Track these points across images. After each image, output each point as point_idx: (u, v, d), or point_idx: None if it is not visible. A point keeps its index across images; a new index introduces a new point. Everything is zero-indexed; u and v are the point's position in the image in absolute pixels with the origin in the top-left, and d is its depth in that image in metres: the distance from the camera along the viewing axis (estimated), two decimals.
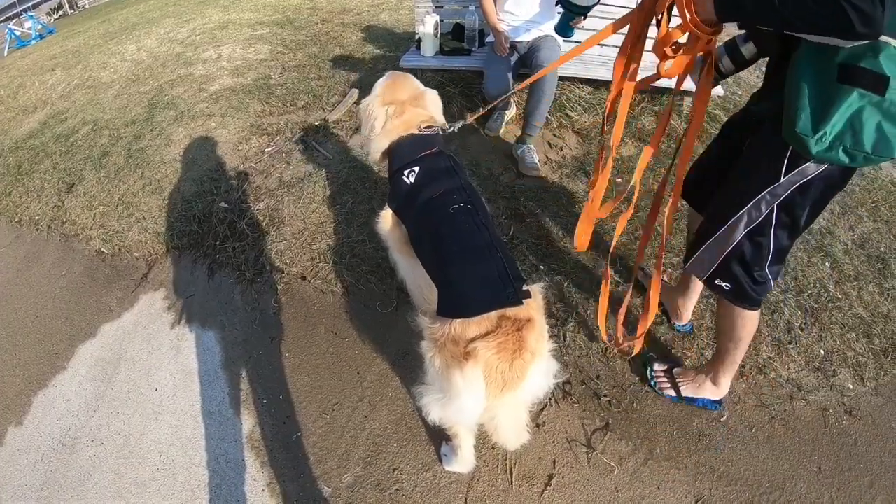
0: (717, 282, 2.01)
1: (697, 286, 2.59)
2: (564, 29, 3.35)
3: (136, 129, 4.63)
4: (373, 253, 3.06)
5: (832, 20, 1.38)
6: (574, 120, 4.10)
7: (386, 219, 2.29)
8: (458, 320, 1.59)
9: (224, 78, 5.21)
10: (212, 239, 3.35)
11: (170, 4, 9.94)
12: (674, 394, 2.43)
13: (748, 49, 2.02)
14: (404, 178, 2.10)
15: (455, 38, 4.30)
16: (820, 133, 1.55)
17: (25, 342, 3.04)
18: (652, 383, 2.49)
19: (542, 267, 2.97)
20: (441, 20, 4.22)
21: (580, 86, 4.25)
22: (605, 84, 4.25)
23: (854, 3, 1.32)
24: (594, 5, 3.14)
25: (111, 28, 9.22)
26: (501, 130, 3.97)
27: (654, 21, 1.84)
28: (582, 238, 2.24)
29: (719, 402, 2.42)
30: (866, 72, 1.49)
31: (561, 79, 4.04)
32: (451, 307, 1.65)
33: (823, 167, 1.68)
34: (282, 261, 3.13)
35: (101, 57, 6.98)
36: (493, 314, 1.57)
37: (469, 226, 1.82)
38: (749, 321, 2.10)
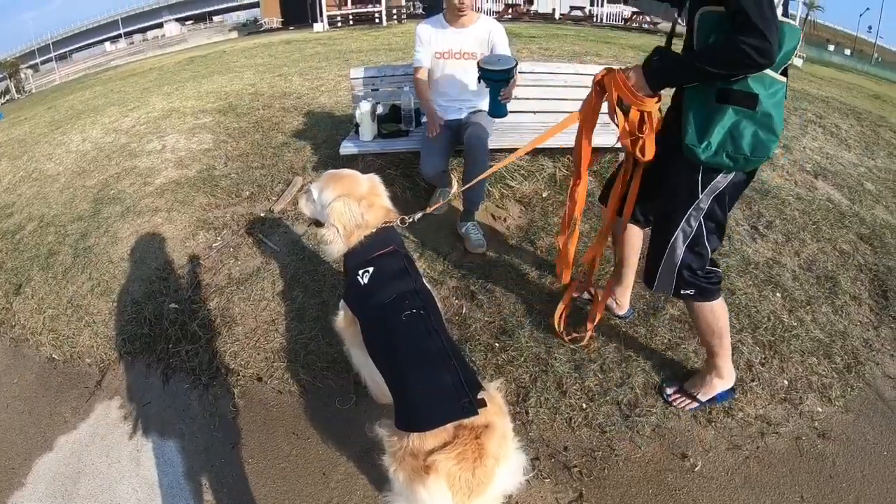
0: (682, 292, 2.37)
1: (629, 280, 3.02)
2: (496, 108, 3.51)
3: (83, 225, 4.58)
4: (326, 348, 3.07)
5: (738, 61, 1.79)
6: (515, 189, 4.23)
7: (342, 316, 2.33)
8: (415, 433, 1.62)
9: (169, 170, 5.20)
10: (164, 342, 3.31)
11: (114, 91, 9.98)
12: (695, 404, 2.65)
13: None
14: (358, 277, 2.12)
15: (392, 119, 4.41)
16: (704, 143, 1.98)
17: None
18: (673, 404, 2.69)
19: (496, 345, 3.03)
20: (377, 103, 4.34)
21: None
22: (543, 151, 4.41)
23: (749, 42, 1.72)
24: (513, 68, 3.31)
25: (57, 115, 9.21)
26: (444, 209, 4.06)
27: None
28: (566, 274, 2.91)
29: (733, 389, 2.67)
30: (738, 92, 1.92)
31: (498, 151, 4.17)
32: (407, 421, 1.68)
33: (731, 176, 2.09)
34: (236, 362, 3.11)
35: (46, 147, 6.95)
36: (450, 425, 1.59)
37: (421, 333, 1.85)
38: (719, 310, 2.42)
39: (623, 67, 2.19)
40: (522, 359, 2.94)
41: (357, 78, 4.56)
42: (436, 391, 1.69)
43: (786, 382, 2.81)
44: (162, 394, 3.08)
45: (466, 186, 3.16)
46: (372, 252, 2.17)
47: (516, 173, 4.31)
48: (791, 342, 3.00)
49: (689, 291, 2.35)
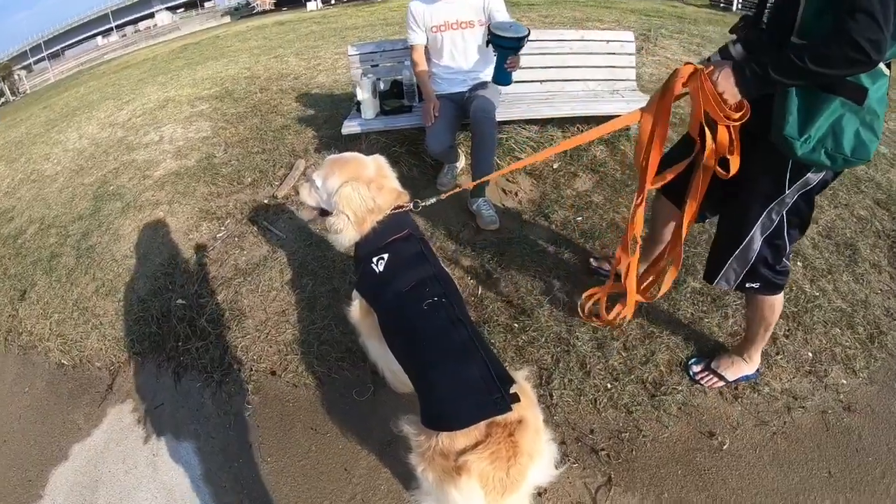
0: (746, 285, 2.23)
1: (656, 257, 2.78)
2: (501, 75, 3.40)
3: (84, 225, 4.48)
4: (340, 337, 2.97)
5: (853, 60, 1.52)
6: None
7: (356, 307, 2.19)
8: (444, 432, 1.52)
9: (167, 161, 5.09)
10: (173, 340, 3.21)
11: (109, 85, 9.90)
12: (722, 383, 2.59)
13: (737, 51, 2.08)
14: (373, 265, 1.99)
15: (394, 95, 4.27)
16: (805, 136, 1.72)
17: None
18: (700, 382, 2.62)
19: (515, 326, 2.93)
20: (378, 79, 4.20)
21: (526, 126, 4.26)
22: (552, 121, 4.28)
23: (867, 35, 1.46)
24: (524, 37, 3.21)
25: (52, 114, 9.13)
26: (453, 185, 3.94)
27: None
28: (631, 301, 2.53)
29: (757, 372, 2.61)
30: (848, 82, 1.66)
31: (505, 122, 4.05)
32: (436, 419, 1.58)
33: (822, 174, 1.90)
34: (248, 357, 3.01)
35: (43, 147, 6.86)
36: (482, 423, 1.50)
37: (445, 323, 1.74)
38: (777, 305, 2.33)
39: (707, 64, 1.90)
40: (543, 339, 2.84)
41: (355, 55, 4.43)
42: (464, 386, 1.58)
43: (810, 355, 2.74)
44: (174, 393, 2.99)
45: (475, 183, 2.97)
46: (385, 237, 2.04)
47: (525, 145, 4.18)
48: (814, 313, 2.93)
49: (754, 285, 2.21)
